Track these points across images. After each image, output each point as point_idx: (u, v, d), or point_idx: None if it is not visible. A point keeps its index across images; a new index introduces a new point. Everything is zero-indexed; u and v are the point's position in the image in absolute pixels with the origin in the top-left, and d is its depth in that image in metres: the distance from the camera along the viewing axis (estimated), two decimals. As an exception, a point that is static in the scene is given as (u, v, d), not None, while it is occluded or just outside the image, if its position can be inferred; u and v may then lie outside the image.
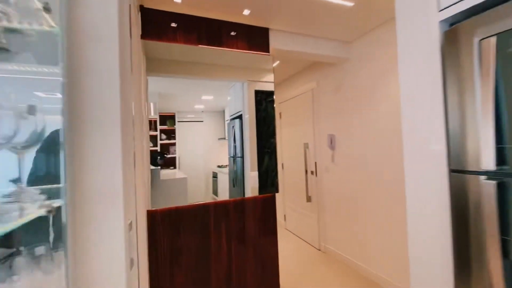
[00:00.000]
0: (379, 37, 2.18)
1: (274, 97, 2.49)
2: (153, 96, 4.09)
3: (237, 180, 2.96)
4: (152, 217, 1.65)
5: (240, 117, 3.08)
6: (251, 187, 2.30)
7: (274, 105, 2.48)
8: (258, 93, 2.80)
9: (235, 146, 3.05)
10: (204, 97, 4.50)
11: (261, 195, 2.09)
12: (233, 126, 3.14)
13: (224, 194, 4.38)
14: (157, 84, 3.53)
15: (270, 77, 2.40)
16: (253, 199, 2.03)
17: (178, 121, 3.87)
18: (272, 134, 2.47)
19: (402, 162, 1.13)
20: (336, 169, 2.80)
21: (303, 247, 3.23)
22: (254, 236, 1.96)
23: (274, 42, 2.17)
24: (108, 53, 0.61)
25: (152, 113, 5.25)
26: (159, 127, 5.74)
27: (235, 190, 3.03)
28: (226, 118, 5.28)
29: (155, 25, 1.76)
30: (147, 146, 2.55)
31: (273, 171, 2.43)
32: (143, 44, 1.80)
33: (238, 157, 2.95)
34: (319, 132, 3.09)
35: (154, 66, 2.57)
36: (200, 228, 1.79)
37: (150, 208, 1.65)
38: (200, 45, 1.94)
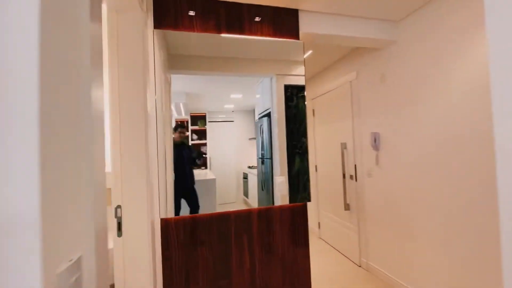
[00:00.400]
0: (438, 9, 1.74)
1: (306, 92, 2.18)
2: (180, 96, 4.04)
3: (265, 183, 2.71)
4: (166, 226, 1.46)
5: (268, 115, 2.82)
6: (280, 193, 2.02)
7: (306, 101, 2.17)
8: (288, 88, 2.51)
9: (263, 147, 2.80)
10: (233, 96, 4.33)
11: (290, 204, 1.80)
12: (261, 125, 2.89)
13: (253, 197, 4.16)
14: (183, 83, 3.44)
15: (301, 69, 2.10)
16: (280, 208, 1.75)
17: (209, 121, 3.70)
18: (304, 133, 2.16)
19: (482, 168, 0.75)
20: (381, 173, 2.37)
21: (340, 261, 2.85)
22: (282, 250, 1.68)
23: (305, 25, 1.87)
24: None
25: (183, 114, 5.28)
26: (190, 127, 5.78)
27: (264, 194, 2.78)
28: (255, 117, 5.07)
29: (169, 13, 1.58)
30: (170, 148, 2.43)
31: (305, 175, 2.13)
32: (163, 40, 1.64)
33: (267, 158, 2.69)
34: (359, 130, 2.68)
35: (176, 63, 2.43)
36: (220, 240, 1.57)
37: (165, 216, 1.47)
38: (219, 33, 1.73)
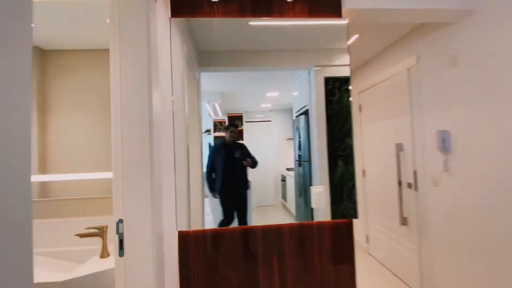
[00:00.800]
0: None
1: (351, 85, 1.82)
2: (216, 96, 3.96)
3: (303, 188, 2.40)
4: (184, 240, 1.29)
5: (306, 112, 2.49)
6: (318, 206, 1.71)
7: (351, 96, 1.81)
8: (329, 81, 2.18)
9: (300, 148, 2.49)
10: (269, 94, 4.08)
11: (331, 221, 1.48)
12: (297, 125, 2.58)
13: (292, 202, 3.85)
14: (217, 82, 3.32)
15: (345, 58, 1.76)
16: (319, 226, 1.45)
17: (246, 121, 3.50)
18: (348, 132, 1.81)
19: None
20: (451, 182, 1.87)
21: (393, 284, 2.38)
22: (321, 270, 1.37)
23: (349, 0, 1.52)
24: None
25: (220, 114, 5.22)
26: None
27: (301, 201, 2.47)
28: (293, 116, 4.75)
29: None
30: (200, 150, 2.29)
31: (349, 182, 1.78)
32: (188, 34, 1.48)
33: (304, 161, 2.38)
34: (420, 129, 2.18)
35: (205, 59, 2.28)
36: (245, 259, 1.34)
37: (185, 229, 1.30)
38: (243, 17, 1.50)
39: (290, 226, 1.43)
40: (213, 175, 2.23)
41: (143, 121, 0.88)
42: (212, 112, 4.99)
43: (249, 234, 1.38)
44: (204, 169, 2.15)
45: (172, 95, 1.25)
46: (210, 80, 3.06)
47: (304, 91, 2.48)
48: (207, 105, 4.30)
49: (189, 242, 1.31)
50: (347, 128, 1.87)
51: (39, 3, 1.20)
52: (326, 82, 2.21)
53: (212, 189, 2.15)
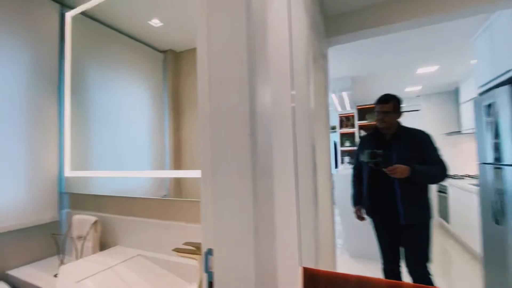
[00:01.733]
0: None
1: None
2: (343, 82, 3.22)
3: (505, 211, 1.40)
4: (310, 281, 0.84)
5: (510, 80, 1.47)
6: None
7: None
8: None
9: (497, 144, 1.49)
10: (421, 70, 2.93)
11: None
12: (489, 105, 1.57)
13: (463, 226, 2.58)
14: (347, 62, 2.62)
15: None
16: None
17: None
18: None
19: None
20: None
21: None
22: None
23: None
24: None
25: (348, 107, 4.41)
26: (357, 122, 4.78)
27: (498, 233, 1.46)
28: (462, 99, 3.30)
29: None
30: (328, 154, 1.73)
31: None
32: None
33: (508, 165, 1.38)
34: None
35: (337, 25, 1.70)
36: None
37: (311, 265, 0.86)
38: None
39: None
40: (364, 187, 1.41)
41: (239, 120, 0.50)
42: (338, 104, 4.18)
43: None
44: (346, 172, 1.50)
45: (293, 92, 0.76)
46: (337, 61, 2.47)
47: (506, 45, 1.46)
48: (333, 96, 3.59)
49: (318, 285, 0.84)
50: None
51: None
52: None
53: (357, 201, 1.50)
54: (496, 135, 1.49)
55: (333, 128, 4.60)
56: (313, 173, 1.04)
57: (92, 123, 1.41)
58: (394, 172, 1.24)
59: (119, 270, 1.04)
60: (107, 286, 0.96)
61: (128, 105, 1.31)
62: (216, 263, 0.52)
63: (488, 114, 1.60)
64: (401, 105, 1.41)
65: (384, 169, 1.28)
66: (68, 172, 1.43)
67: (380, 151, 1.31)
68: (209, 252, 0.53)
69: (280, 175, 0.63)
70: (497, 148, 1.49)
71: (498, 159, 1.49)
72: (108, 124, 1.36)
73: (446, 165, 1.27)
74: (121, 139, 1.31)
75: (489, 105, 1.58)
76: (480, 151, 1.72)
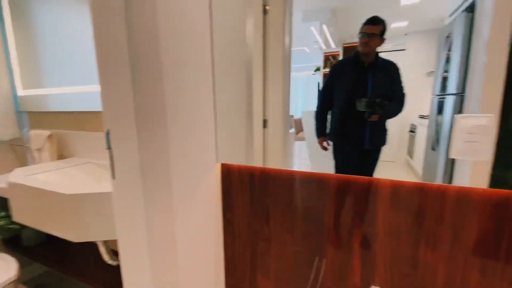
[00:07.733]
0: None
1: None
2: (322, 15, 2.98)
3: (440, 138, 1.51)
4: (228, 175, 0.97)
5: (469, 8, 1.41)
6: (469, 154, 0.93)
7: None
8: None
9: (446, 77, 1.51)
10: (405, 2, 2.69)
11: (490, 189, 0.72)
12: (447, 36, 1.53)
13: (419, 160, 2.76)
14: None
15: None
16: (458, 193, 0.75)
17: None
18: None
19: None
20: None
21: None
22: (446, 280, 0.73)
23: None
24: None
25: (333, 45, 4.20)
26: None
27: (433, 157, 1.60)
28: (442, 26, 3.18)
29: None
30: (287, 93, 1.68)
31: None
32: None
33: (451, 94, 1.43)
34: None
35: None
36: (306, 221, 0.90)
37: (227, 162, 0.98)
38: None
39: (392, 185, 0.82)
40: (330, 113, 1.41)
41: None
42: (322, 41, 4.03)
43: (316, 184, 0.89)
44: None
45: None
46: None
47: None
48: (313, 30, 3.44)
49: (233, 178, 0.98)
50: None
51: None
52: None
53: (321, 132, 1.49)
54: (446, 68, 1.51)
55: (317, 69, 4.48)
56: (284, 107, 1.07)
57: (39, 40, 1.39)
58: (384, 107, 1.16)
59: (69, 171, 1.17)
60: (55, 181, 1.09)
61: (75, 20, 1.26)
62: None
63: (446, 46, 1.58)
64: (385, 32, 1.32)
65: (376, 101, 1.15)
66: (20, 92, 1.47)
67: (378, 99, 1.15)
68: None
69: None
70: (444, 81, 1.52)
71: (443, 90, 1.54)
72: (56, 41, 1.34)
73: (403, 98, 1.24)
74: (72, 54, 1.30)
75: (447, 37, 1.56)
76: (435, 84, 1.75)
